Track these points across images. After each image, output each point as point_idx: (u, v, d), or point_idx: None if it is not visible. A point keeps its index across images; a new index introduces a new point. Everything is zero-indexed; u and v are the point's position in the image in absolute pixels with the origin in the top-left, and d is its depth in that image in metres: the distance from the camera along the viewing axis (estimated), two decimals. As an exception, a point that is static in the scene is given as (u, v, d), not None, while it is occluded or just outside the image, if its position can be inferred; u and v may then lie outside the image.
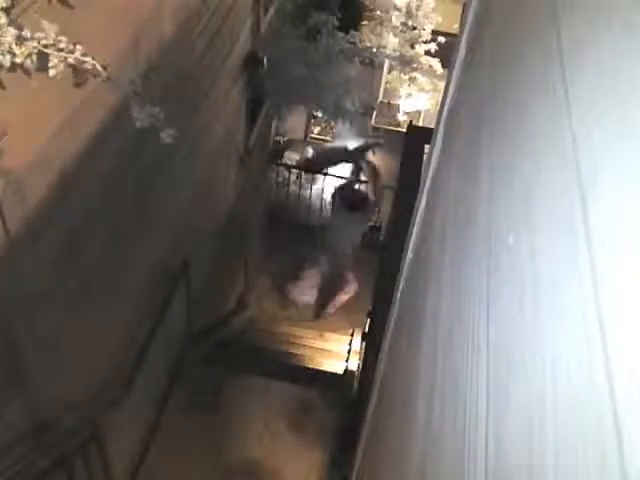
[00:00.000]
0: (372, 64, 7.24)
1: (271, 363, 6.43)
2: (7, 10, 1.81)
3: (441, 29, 7.37)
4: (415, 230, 2.62)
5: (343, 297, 7.94)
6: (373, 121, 10.07)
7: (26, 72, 1.83)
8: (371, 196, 7.78)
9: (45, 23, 1.84)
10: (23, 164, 2.36)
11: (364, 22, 7.45)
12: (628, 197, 0.60)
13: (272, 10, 6.26)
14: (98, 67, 1.90)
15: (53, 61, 1.84)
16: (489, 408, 0.93)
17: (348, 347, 7.28)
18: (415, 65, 7.19)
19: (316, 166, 8.32)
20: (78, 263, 3.05)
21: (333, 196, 8.00)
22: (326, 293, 8.02)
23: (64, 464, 3.37)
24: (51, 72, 1.85)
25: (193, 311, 5.29)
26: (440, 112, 2.42)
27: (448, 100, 2.25)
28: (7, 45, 1.76)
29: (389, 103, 10.49)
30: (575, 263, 0.67)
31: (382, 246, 7.24)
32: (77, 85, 1.94)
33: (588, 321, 0.61)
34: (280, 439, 5.35)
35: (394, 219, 5.37)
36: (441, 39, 7.23)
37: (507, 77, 1.35)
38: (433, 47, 7.22)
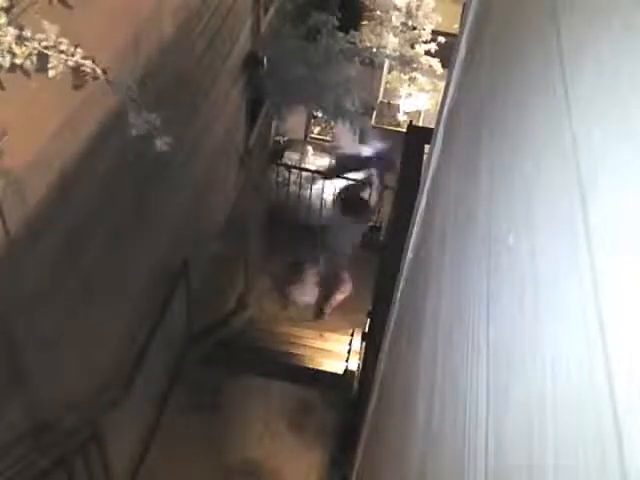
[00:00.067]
0: (372, 64, 7.23)
1: (271, 363, 6.43)
2: (7, 10, 1.81)
3: (441, 29, 7.36)
4: (415, 230, 2.62)
5: (339, 297, 7.99)
6: (373, 121, 10.06)
7: (25, 73, 1.83)
8: (373, 202, 7.89)
9: (46, 24, 1.84)
10: (23, 164, 2.36)
11: (364, 22, 7.45)
12: (628, 197, 0.60)
13: (272, 10, 6.25)
14: (98, 70, 1.90)
15: (53, 62, 1.84)
16: (489, 408, 0.93)
17: (348, 347, 7.29)
18: (415, 65, 7.18)
19: (334, 172, 8.49)
20: (78, 263, 3.05)
21: (336, 198, 8.07)
22: (326, 293, 8.06)
23: (64, 464, 3.37)
24: (50, 73, 1.85)
25: (193, 311, 5.29)
26: (440, 112, 2.42)
27: (448, 100, 2.25)
28: (7, 45, 1.76)
29: (389, 103, 10.47)
30: (575, 263, 0.67)
31: (382, 246, 7.24)
32: (76, 87, 1.93)
33: (588, 321, 0.61)
34: (280, 439, 5.36)
35: (394, 219, 5.37)
36: (441, 39, 7.23)
37: (507, 77, 1.35)
38: (433, 47, 7.21)
